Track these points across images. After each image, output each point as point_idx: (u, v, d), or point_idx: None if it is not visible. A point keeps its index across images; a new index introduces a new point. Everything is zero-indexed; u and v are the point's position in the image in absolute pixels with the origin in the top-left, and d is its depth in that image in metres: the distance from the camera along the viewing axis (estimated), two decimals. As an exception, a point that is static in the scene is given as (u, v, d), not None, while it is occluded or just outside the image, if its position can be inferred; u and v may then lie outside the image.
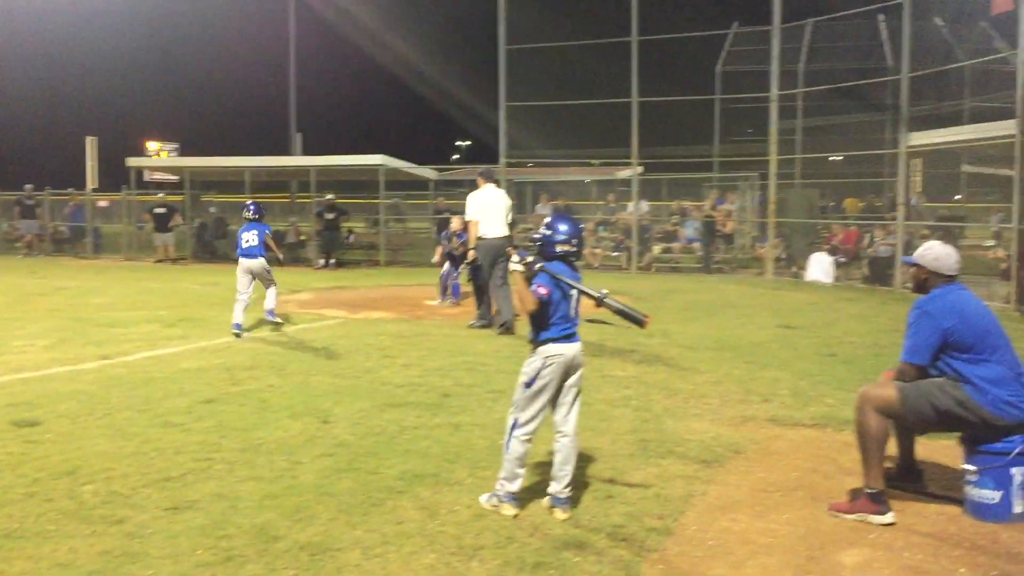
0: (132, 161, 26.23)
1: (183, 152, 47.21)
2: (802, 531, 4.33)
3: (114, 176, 27.42)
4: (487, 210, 10.52)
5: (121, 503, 4.55)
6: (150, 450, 5.49)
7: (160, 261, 22.83)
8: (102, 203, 29.20)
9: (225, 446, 5.59)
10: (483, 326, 10.77)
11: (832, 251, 17.77)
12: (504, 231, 10.54)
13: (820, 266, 17.26)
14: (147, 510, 4.45)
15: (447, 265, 13.63)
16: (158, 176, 36.49)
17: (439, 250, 14.15)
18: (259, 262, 10.60)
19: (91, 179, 25.53)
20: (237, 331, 10.10)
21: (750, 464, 5.41)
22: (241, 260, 10.64)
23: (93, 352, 8.96)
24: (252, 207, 11.06)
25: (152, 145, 47.31)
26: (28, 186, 25.50)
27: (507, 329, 10.21)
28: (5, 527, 4.20)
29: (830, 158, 23.97)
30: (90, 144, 25.58)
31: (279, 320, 11.04)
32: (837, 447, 5.75)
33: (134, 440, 5.72)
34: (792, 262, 18.91)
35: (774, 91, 18.66)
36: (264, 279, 10.76)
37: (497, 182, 11.30)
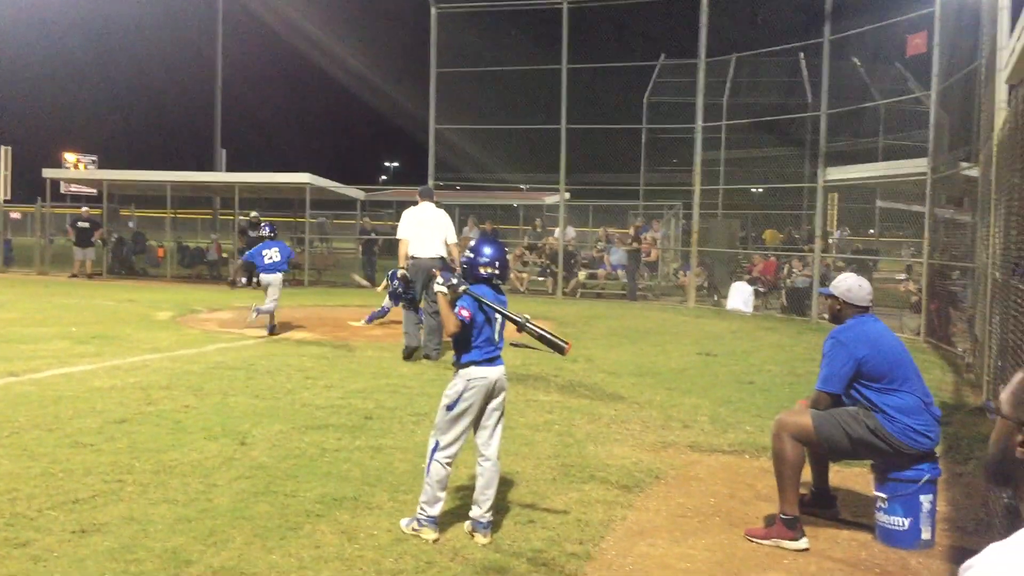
0: (48, 172, 25.50)
1: (102, 165, 46.01)
2: (719, 556, 4.38)
3: (28, 187, 26.61)
4: (420, 228, 10.21)
5: (26, 525, 4.38)
6: (58, 471, 5.30)
7: (74, 276, 22.18)
8: (15, 215, 28.26)
9: (138, 468, 5.43)
10: (409, 352, 10.15)
11: (752, 281, 18.17)
12: (438, 251, 10.14)
13: (740, 295, 17.61)
14: (53, 533, 4.29)
15: (388, 300, 13.47)
16: (75, 189, 35.52)
17: (386, 283, 14.06)
18: (278, 276, 12.03)
19: (4, 190, 24.69)
20: (270, 330, 12.00)
21: (669, 489, 5.48)
22: (262, 276, 12.06)
23: (0, 368, 8.62)
24: (268, 227, 13.11)
25: (70, 156, 46.06)
26: (-64, 195, 24.57)
27: (427, 357, 10.00)
28: (-102, 551, 4.00)
29: (752, 190, 24.57)
30: (3, 153, 24.76)
31: (256, 324, 12.18)
32: (754, 473, 5.86)
33: (41, 460, 5.51)
34: (714, 291, 19.28)
35: (699, 123, 19.06)
36: (275, 290, 12.02)
37: (436, 201, 10.84)
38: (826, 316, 5.73)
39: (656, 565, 4.23)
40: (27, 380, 8.16)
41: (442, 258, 10.11)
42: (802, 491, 4.80)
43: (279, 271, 11.98)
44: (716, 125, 20.92)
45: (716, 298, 18.87)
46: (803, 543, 4.50)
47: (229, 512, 4.67)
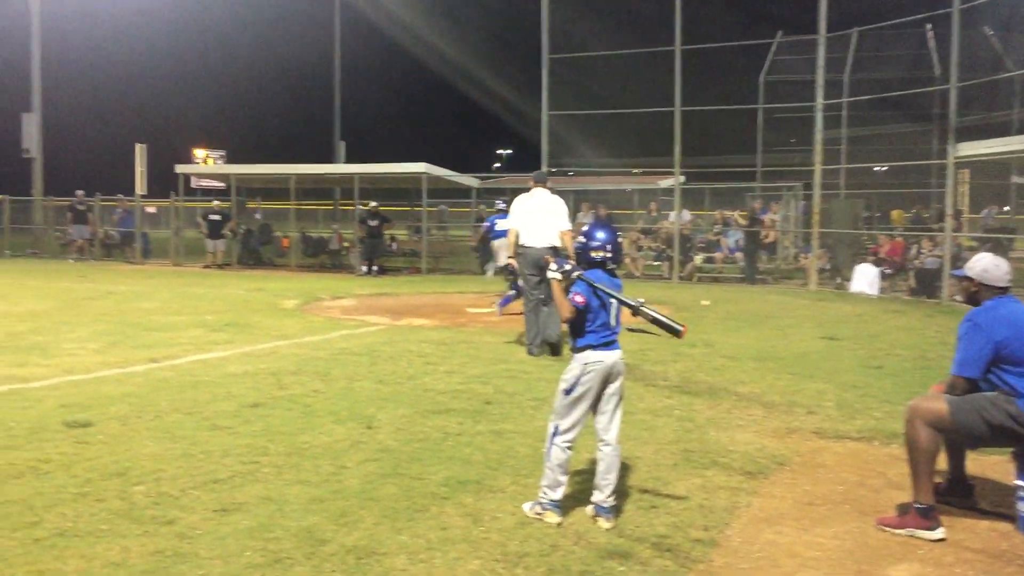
0: (180, 168, 26.71)
1: (229, 159, 47.94)
2: (849, 545, 4.28)
3: (162, 182, 27.95)
4: (530, 216, 9.60)
5: (171, 504, 4.63)
6: (198, 452, 5.57)
7: (207, 267, 23.20)
8: (151, 209, 29.72)
9: (272, 450, 5.66)
10: (535, 349, 9.59)
11: (877, 262, 17.54)
12: (549, 240, 9.42)
13: (865, 277, 17.06)
14: (196, 511, 4.52)
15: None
16: (205, 183, 37.08)
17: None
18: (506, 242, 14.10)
19: (140, 185, 26.01)
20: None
21: (795, 476, 5.36)
22: (494, 242, 14.88)
23: (142, 355, 9.11)
24: (502, 202, 15.95)
25: (199, 152, 48.11)
26: (79, 192, 26.05)
27: (552, 349, 9.47)
28: (59, 526, 4.28)
29: (875, 168, 23.71)
30: (140, 151, 26.08)
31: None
32: (884, 460, 5.68)
33: (182, 442, 5.80)
34: (836, 273, 18.71)
35: (819, 100, 18.47)
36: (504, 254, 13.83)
37: (550, 187, 10.05)
38: (958, 298, 5.50)
39: (784, 553, 4.16)
40: (167, 366, 8.60)
41: (554, 247, 9.37)
42: (937, 479, 4.63)
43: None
44: (837, 102, 20.24)
45: (839, 281, 18.32)
46: (939, 533, 4.34)
47: (359, 493, 4.82)
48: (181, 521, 4.38)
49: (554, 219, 9.61)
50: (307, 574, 3.80)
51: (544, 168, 20.50)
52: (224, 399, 7.11)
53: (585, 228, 4.81)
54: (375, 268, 21.74)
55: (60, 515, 4.42)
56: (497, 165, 69.09)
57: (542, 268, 8.91)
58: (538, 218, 9.63)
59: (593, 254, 4.63)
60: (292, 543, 4.10)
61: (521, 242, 9.68)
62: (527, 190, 10.08)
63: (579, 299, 4.47)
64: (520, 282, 10.20)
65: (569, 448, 4.53)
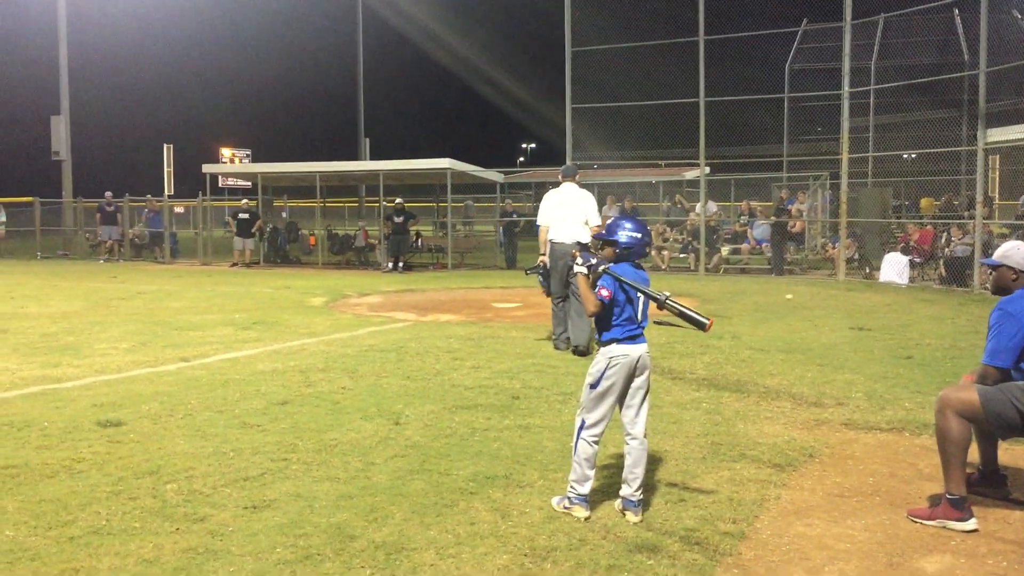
0: (208, 168, 26.93)
1: (255, 158, 48.21)
2: (880, 537, 4.25)
3: (190, 182, 28.23)
4: (560, 211, 9.51)
5: (202, 501, 4.67)
6: (229, 450, 5.62)
7: (234, 265, 23.38)
8: (178, 209, 30.00)
9: (301, 447, 5.70)
10: (561, 343, 9.60)
11: (906, 251, 17.36)
12: (579, 235, 9.30)
13: (894, 267, 16.89)
14: (227, 508, 4.56)
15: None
16: (232, 182, 37.36)
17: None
18: None
19: (168, 185, 26.26)
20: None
21: (825, 468, 5.33)
22: None
23: (172, 354, 9.20)
24: None
25: (226, 152, 48.46)
26: (108, 193, 26.34)
27: (580, 352, 9.19)
28: (93, 524, 4.34)
29: (904, 156, 23.45)
30: (167, 151, 26.32)
31: None
32: (915, 452, 5.63)
33: (213, 440, 5.86)
34: (865, 263, 18.54)
35: (845, 88, 18.28)
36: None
37: (578, 180, 9.85)
38: (988, 287, 5.43)
39: (813, 545, 4.14)
40: (197, 365, 8.68)
41: (580, 242, 9.20)
42: (969, 470, 4.58)
43: None
44: (864, 90, 20.02)
45: (868, 270, 18.16)
46: (971, 524, 4.30)
47: (387, 489, 4.85)
48: (212, 518, 4.42)
49: (583, 213, 9.53)
50: (337, 570, 3.83)
51: (568, 162, 20.38)
52: (253, 397, 7.17)
53: (612, 221, 4.78)
54: (401, 264, 21.81)
55: (94, 513, 4.48)
56: (521, 160, 69.11)
57: (568, 262, 8.93)
58: (566, 212, 9.56)
59: (648, 249, 4.64)
60: (322, 539, 4.13)
61: (550, 237, 9.61)
62: (553, 184, 10.08)
63: (604, 293, 4.46)
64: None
65: (596, 442, 4.53)
